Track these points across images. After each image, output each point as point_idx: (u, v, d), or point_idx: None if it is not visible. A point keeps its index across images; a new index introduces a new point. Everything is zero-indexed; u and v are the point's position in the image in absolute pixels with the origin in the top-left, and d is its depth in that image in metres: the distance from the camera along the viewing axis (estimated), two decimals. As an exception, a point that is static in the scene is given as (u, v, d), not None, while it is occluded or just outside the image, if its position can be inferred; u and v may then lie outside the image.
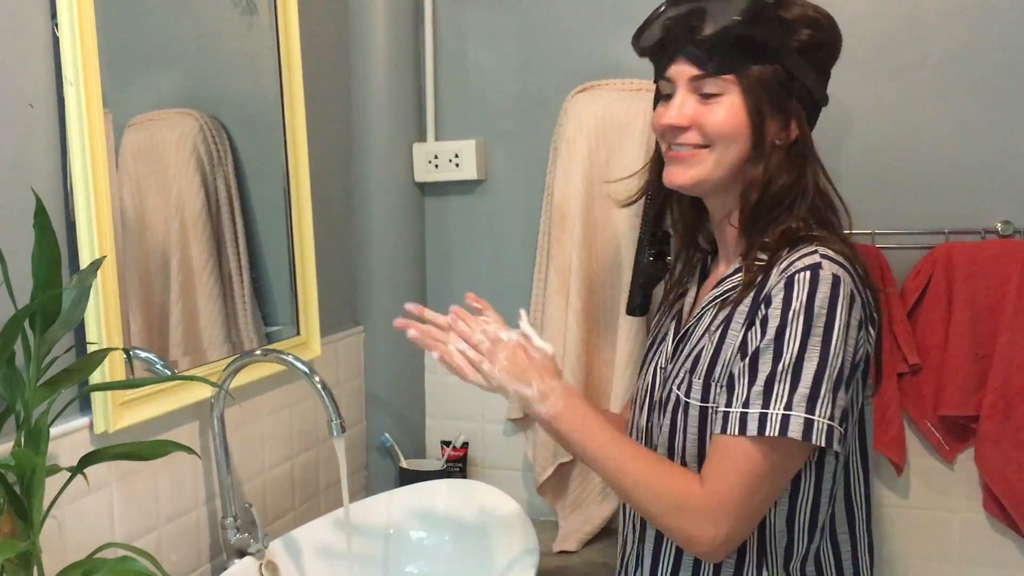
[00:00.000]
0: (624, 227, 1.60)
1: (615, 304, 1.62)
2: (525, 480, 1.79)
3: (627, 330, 1.59)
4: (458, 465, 1.78)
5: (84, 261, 1.10)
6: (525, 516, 1.43)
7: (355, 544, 1.41)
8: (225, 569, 1.32)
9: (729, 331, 1.07)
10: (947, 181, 1.49)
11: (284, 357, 1.27)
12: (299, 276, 1.56)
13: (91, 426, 1.14)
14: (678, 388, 1.12)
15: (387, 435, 1.78)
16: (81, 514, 1.14)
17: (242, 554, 1.33)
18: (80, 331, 1.12)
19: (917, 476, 1.54)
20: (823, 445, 0.99)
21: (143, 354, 1.29)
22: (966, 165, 1.48)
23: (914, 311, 1.48)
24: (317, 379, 1.25)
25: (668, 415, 1.13)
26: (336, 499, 1.69)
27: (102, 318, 1.12)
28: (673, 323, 1.22)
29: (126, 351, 1.05)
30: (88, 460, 0.96)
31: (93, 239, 1.11)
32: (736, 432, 1.01)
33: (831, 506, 1.11)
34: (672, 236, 1.32)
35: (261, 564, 1.32)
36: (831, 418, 0.99)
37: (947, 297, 1.45)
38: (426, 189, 1.83)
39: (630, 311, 1.46)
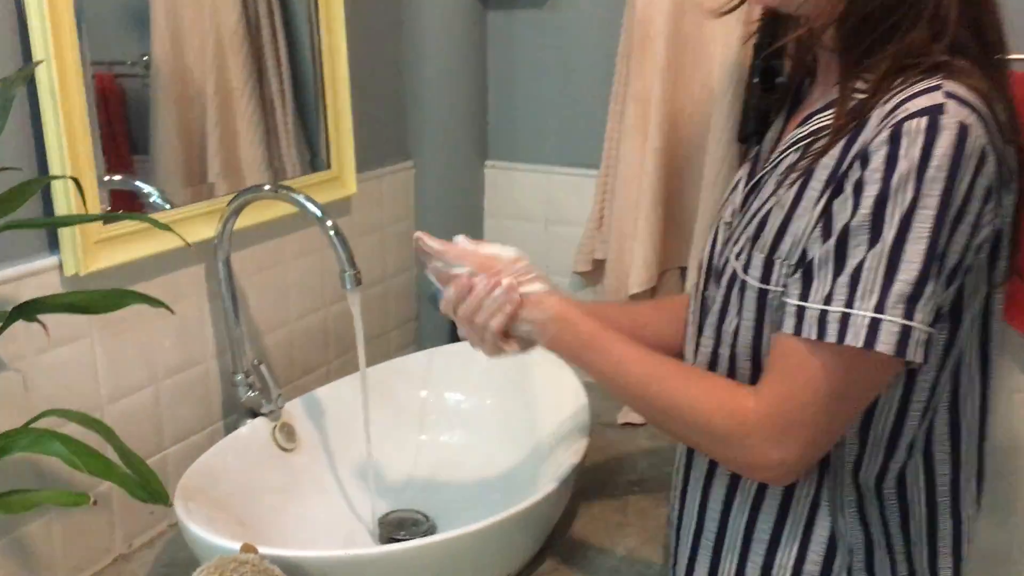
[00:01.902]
0: (719, 47, 1.31)
1: (703, 142, 1.36)
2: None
3: (716, 172, 1.33)
4: (517, 321, 1.60)
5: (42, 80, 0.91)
6: (579, 382, 1.24)
7: (383, 407, 1.25)
8: (237, 428, 1.18)
9: (806, 194, 0.80)
10: None
11: (294, 195, 1.08)
12: (329, 98, 1.34)
13: (61, 267, 0.98)
14: (736, 259, 0.87)
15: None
16: (54, 369, 0.99)
17: (254, 414, 1.18)
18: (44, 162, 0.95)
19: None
20: (920, 361, 0.74)
21: (145, 187, 1.12)
22: None
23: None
24: (329, 223, 1.05)
25: (722, 290, 0.89)
26: (379, 352, 1.53)
27: (64, 146, 0.93)
28: (748, 165, 0.96)
29: (74, 180, 0.86)
30: (22, 312, 0.80)
31: (47, 40, 0.91)
32: (812, 335, 0.77)
33: (927, 420, 0.86)
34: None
35: (275, 426, 1.17)
36: (931, 323, 0.74)
37: None
38: (489, 1, 1.57)
39: (742, 138, 1.21)
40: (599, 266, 1.51)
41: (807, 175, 0.80)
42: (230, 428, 1.21)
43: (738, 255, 0.87)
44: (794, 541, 0.87)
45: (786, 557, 0.88)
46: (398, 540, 1.11)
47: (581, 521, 1.17)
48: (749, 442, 0.80)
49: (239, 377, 1.18)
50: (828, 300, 0.75)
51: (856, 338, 0.74)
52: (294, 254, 1.32)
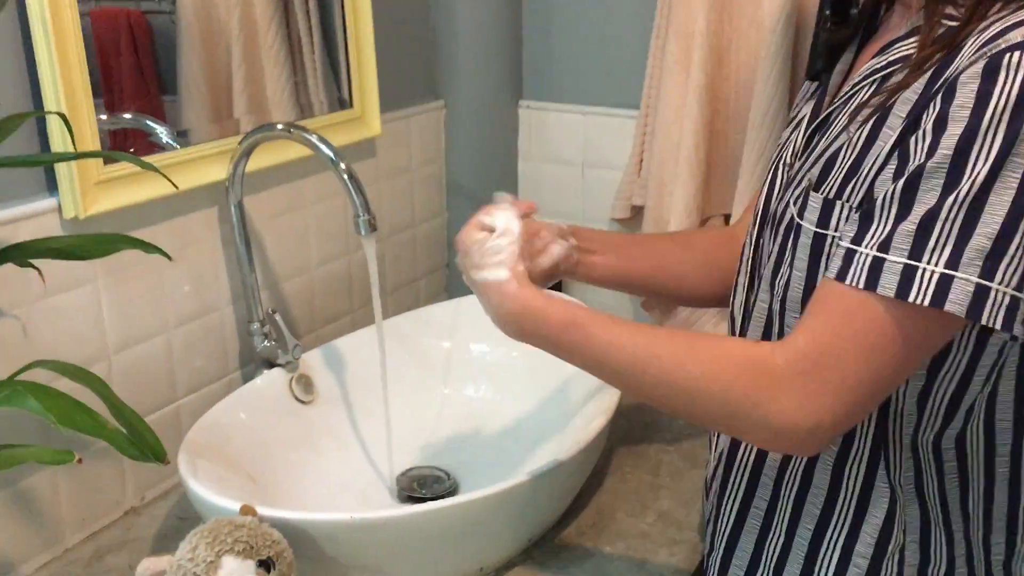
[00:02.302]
0: (769, -24, 1.22)
1: (750, 79, 1.26)
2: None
3: (764, 112, 1.23)
4: (551, 269, 1.52)
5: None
6: None
7: (406, 359, 1.20)
8: (254, 378, 1.13)
9: (881, 133, 0.70)
10: None
11: (307, 136, 1.01)
12: (351, 32, 1.27)
13: (60, 209, 0.93)
14: (794, 202, 0.78)
15: (470, 230, 1.52)
16: (55, 316, 0.94)
17: (271, 365, 1.13)
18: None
19: None
20: (996, 327, 0.65)
21: (157, 126, 1.07)
22: None
23: None
24: (342, 166, 0.99)
25: (778, 238, 0.80)
26: (407, 302, 1.47)
27: (57, 81, 0.88)
28: (812, 103, 0.87)
29: (61, 116, 0.80)
30: (8, 256, 0.74)
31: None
32: (860, 283, 0.67)
33: (990, 385, 0.77)
34: None
35: (292, 378, 1.12)
36: (1020, 287, 0.64)
37: None
38: (525, -71, 1.48)
39: (812, 76, 1.11)
40: (638, 213, 1.43)
41: (884, 112, 0.71)
42: (248, 379, 1.16)
43: (796, 198, 0.78)
44: (845, 520, 0.80)
45: (836, 536, 0.81)
46: (417, 499, 1.06)
47: (611, 481, 1.10)
48: (774, 400, 0.70)
49: (254, 326, 1.13)
50: (885, 247, 0.66)
51: (921, 294, 0.65)
52: (314, 197, 1.26)
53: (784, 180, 0.83)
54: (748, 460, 0.86)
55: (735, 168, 1.30)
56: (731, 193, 1.32)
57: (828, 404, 0.69)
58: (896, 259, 0.66)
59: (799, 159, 0.82)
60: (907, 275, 0.65)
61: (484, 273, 0.81)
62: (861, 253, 0.67)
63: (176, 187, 0.79)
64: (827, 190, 0.74)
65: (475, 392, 1.22)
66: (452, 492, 1.07)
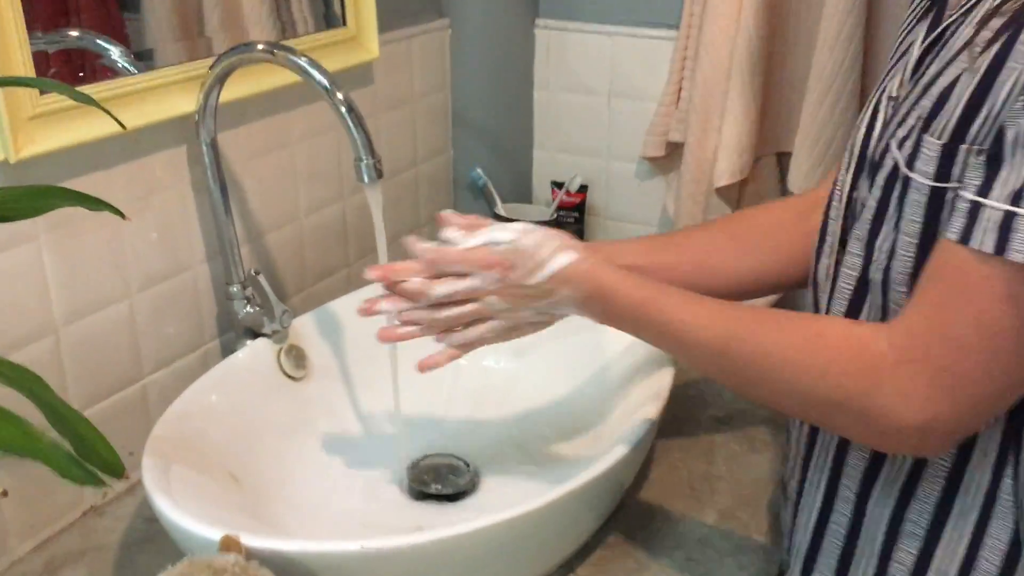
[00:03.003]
0: None
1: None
2: (662, 239, 1.34)
3: (838, 31, 1.04)
4: (573, 215, 1.35)
5: None
6: None
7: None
8: (234, 351, 0.96)
9: (1014, 51, 0.54)
10: None
11: (295, 59, 0.82)
12: (343, -65, 1.06)
13: (-13, 151, 0.74)
14: (899, 147, 0.62)
15: (479, 170, 1.34)
16: (-15, 281, 0.76)
17: (255, 334, 0.96)
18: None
19: None
20: None
21: (109, 46, 0.87)
22: None
23: None
24: (339, 96, 0.79)
25: (878, 191, 0.64)
26: (407, 253, 1.29)
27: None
28: (926, 22, 0.68)
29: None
30: (-100, 218, 0.56)
31: None
32: (988, 247, 0.53)
33: None
34: None
35: (280, 349, 0.95)
36: None
37: None
38: None
39: None
40: (675, 151, 1.24)
41: (1014, 31, 0.54)
42: (227, 350, 0.99)
43: (902, 142, 0.61)
44: (959, 541, 0.64)
45: (947, 562, 0.65)
46: (433, 495, 0.89)
47: (657, 470, 0.94)
48: (881, 394, 0.59)
49: (234, 289, 0.95)
50: (1019, 198, 0.51)
51: None
52: (302, 133, 1.07)
53: (887, 117, 0.66)
54: (826, 460, 0.70)
55: (796, 99, 1.12)
56: (790, 128, 1.13)
57: (944, 399, 0.57)
58: None
59: (907, 90, 0.64)
60: None
61: (551, 264, 0.70)
62: (987, 208, 0.54)
63: (123, 126, 0.61)
64: (942, 130, 0.57)
65: (495, 363, 1.04)
66: (472, 487, 0.91)
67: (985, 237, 0.53)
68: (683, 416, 1.03)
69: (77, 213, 0.80)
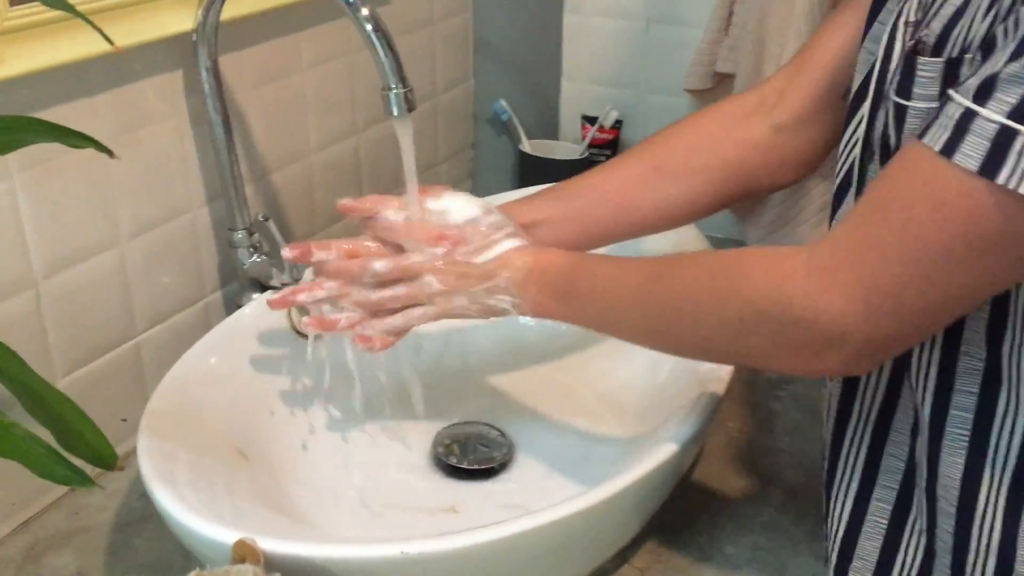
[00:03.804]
0: None
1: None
2: (702, 182, 1.23)
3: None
4: (605, 152, 1.24)
5: None
6: (702, 238, 0.92)
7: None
8: (239, 305, 0.85)
9: None
10: None
11: (310, -37, 0.69)
12: None
13: (-56, 74, 0.62)
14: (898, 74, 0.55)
15: (503, 102, 1.22)
16: (-51, 230, 0.65)
17: (263, 287, 0.85)
18: None
19: None
20: None
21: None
22: None
23: None
24: (364, 12, 0.67)
25: (884, 121, 0.57)
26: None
27: None
28: None
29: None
30: None
31: None
32: (937, 146, 0.47)
33: None
34: None
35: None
36: None
37: None
38: None
39: None
40: (723, 84, 1.12)
41: None
42: (231, 303, 0.88)
43: (897, 70, 0.55)
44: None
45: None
46: (463, 469, 0.80)
47: (713, 442, 0.84)
48: (792, 306, 0.53)
49: (239, 236, 0.84)
50: (986, 91, 0.45)
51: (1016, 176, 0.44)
52: (313, 57, 0.94)
53: (904, 44, 0.58)
54: (864, 430, 0.62)
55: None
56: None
57: (859, 311, 0.51)
58: (993, 113, 0.45)
59: (924, 15, 0.56)
60: (1000, 143, 0.44)
61: (501, 246, 0.68)
62: (952, 103, 0.47)
63: (111, 42, 0.49)
64: (953, 46, 0.52)
65: (530, 319, 0.93)
66: (506, 463, 0.81)
67: (940, 133, 0.47)
68: (734, 379, 0.93)
69: (56, 148, 0.68)
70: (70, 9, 0.49)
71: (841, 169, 0.64)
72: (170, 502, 0.56)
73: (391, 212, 0.71)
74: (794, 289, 0.53)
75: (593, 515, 0.60)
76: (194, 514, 0.55)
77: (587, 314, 0.67)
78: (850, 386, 0.64)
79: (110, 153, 0.53)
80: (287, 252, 0.71)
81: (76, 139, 0.51)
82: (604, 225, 0.76)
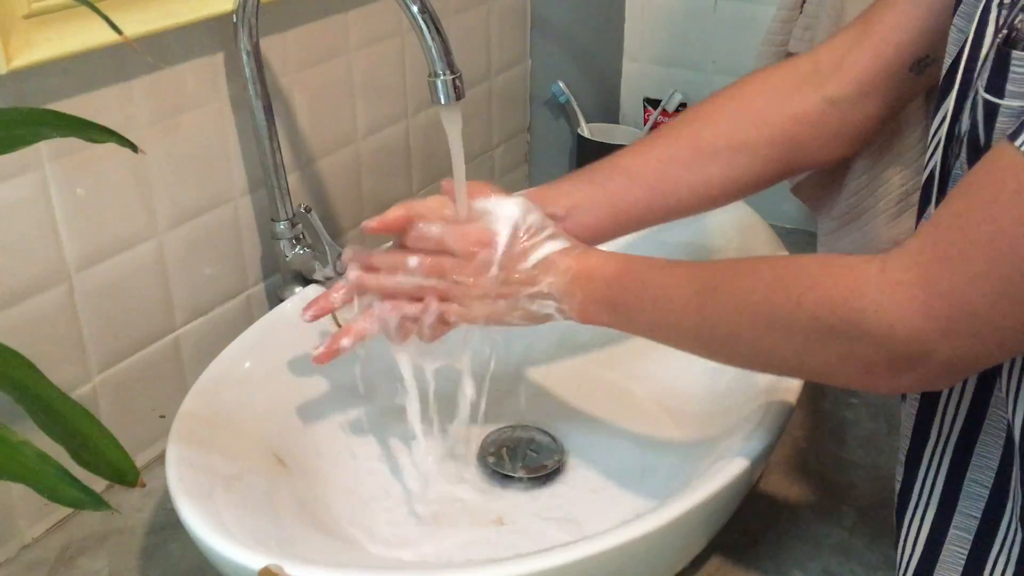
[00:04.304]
0: None
1: None
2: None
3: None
4: (667, 138, 1.17)
5: None
6: (769, 230, 0.89)
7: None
8: (281, 298, 0.82)
9: None
10: None
11: (355, -61, 0.65)
12: None
13: (-28, 59, 0.59)
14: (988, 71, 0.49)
15: (561, 84, 1.17)
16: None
17: (306, 281, 0.81)
18: None
19: None
20: None
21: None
22: None
23: None
24: (410, -13, 0.63)
25: (972, 116, 0.50)
26: (480, 176, 1.12)
27: None
28: None
29: None
30: None
31: None
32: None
33: None
34: None
35: (334, 300, 0.80)
36: None
37: None
38: None
39: None
40: (796, 64, 1.06)
41: None
42: (273, 297, 0.85)
43: (983, 63, 0.49)
44: None
45: None
46: (512, 477, 0.75)
47: (776, 454, 0.79)
48: (865, 320, 0.49)
49: (281, 226, 0.81)
50: None
51: None
52: (362, 38, 0.90)
53: (995, 31, 0.51)
54: (945, 450, 0.57)
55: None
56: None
57: (937, 329, 0.47)
58: None
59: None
60: None
61: (544, 248, 0.64)
62: None
63: (120, 32, 0.45)
64: None
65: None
66: (557, 470, 0.76)
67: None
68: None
69: (85, 143, 0.65)
70: (86, -7, 0.45)
71: (928, 161, 0.59)
72: (195, 520, 0.53)
73: (425, 224, 0.66)
74: (865, 303, 0.49)
75: (654, 539, 0.56)
76: (219, 535, 0.52)
77: (637, 324, 0.62)
78: (929, 400, 0.58)
79: (134, 148, 0.49)
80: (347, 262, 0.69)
81: (96, 133, 0.47)
82: (639, 209, 0.71)
